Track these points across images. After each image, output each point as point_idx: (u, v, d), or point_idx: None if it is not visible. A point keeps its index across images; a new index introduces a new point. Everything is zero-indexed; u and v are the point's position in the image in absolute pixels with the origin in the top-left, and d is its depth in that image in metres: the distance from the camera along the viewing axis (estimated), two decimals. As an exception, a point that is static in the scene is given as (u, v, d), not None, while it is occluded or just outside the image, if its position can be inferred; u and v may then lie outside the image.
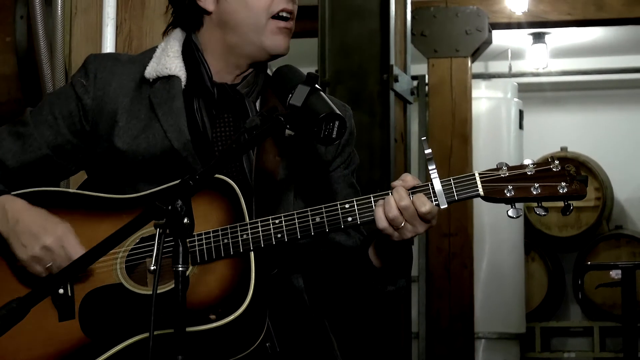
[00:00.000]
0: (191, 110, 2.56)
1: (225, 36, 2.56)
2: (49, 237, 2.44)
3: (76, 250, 2.43)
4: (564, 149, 10.74)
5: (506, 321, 9.06)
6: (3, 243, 2.49)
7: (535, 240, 10.50)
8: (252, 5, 2.52)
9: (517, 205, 2.38)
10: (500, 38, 9.32)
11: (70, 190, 2.60)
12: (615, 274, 6.86)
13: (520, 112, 9.36)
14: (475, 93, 8.50)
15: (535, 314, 10.52)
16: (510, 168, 2.37)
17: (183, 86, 2.57)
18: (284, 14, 2.53)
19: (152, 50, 2.66)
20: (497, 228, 8.71)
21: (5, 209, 2.49)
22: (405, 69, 6.04)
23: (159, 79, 2.57)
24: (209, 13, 2.57)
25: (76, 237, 2.45)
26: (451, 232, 7.91)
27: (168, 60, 2.58)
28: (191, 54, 2.60)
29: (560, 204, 2.37)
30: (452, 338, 7.96)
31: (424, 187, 2.38)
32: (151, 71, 2.58)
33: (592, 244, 10.54)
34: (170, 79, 2.57)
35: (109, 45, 3.74)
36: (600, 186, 10.49)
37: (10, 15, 4.31)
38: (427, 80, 8.14)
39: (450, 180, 2.38)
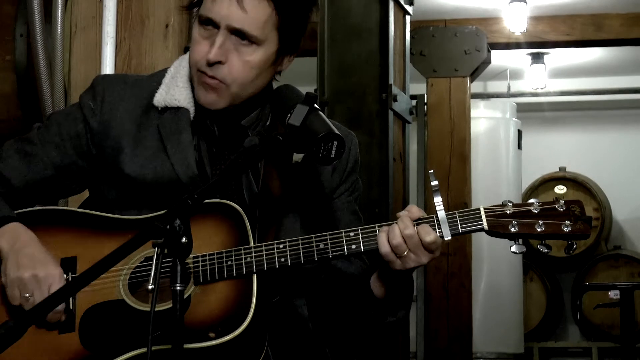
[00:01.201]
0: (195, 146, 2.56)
1: None
2: (44, 270, 2.42)
3: (54, 303, 2.36)
4: (562, 169, 10.74)
5: (504, 341, 9.04)
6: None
7: (533, 260, 10.49)
8: (190, 54, 2.54)
9: (520, 241, 2.40)
10: (499, 58, 9.33)
11: (78, 209, 2.61)
12: (614, 294, 6.88)
13: (519, 132, 9.37)
14: (474, 113, 8.51)
15: (534, 334, 10.50)
16: (515, 205, 2.41)
17: (192, 118, 2.57)
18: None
19: (161, 74, 2.64)
20: (495, 248, 8.70)
21: (18, 234, 2.48)
22: (404, 89, 6.04)
23: (168, 108, 2.57)
24: None
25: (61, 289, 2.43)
26: (450, 252, 7.90)
27: (177, 90, 2.57)
28: None
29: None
30: (450, 358, 7.93)
31: (429, 218, 2.41)
32: (160, 100, 2.57)
33: (590, 264, 10.53)
34: (179, 110, 2.56)
35: (108, 64, 3.74)
36: (598, 206, 10.49)
37: (10, 33, 4.32)
38: (426, 100, 8.14)
39: (455, 213, 2.40)
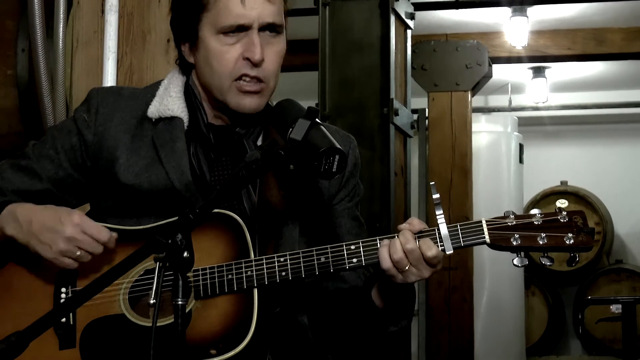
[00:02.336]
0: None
1: (206, 87, 2.58)
2: (67, 227, 2.43)
3: (98, 230, 2.42)
4: (563, 183, 10.75)
5: (506, 355, 9.02)
6: (22, 250, 2.47)
7: (535, 274, 10.48)
8: (215, 68, 2.50)
9: (522, 254, 2.38)
10: (500, 72, 9.35)
11: None
12: (616, 308, 6.87)
13: (521, 146, 9.37)
14: (475, 127, 8.51)
15: (536, 348, 10.49)
16: (517, 217, 2.38)
17: (185, 127, 2.57)
18: (247, 79, 2.50)
19: (155, 86, 2.66)
20: (497, 262, 8.70)
21: (15, 215, 2.48)
22: (405, 103, 6.04)
23: (162, 119, 2.57)
24: (193, 64, 2.58)
25: (91, 220, 2.45)
26: (451, 265, 7.89)
27: (170, 101, 2.58)
28: (190, 97, 2.61)
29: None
30: (452, 372, 7.93)
31: (431, 231, 2.39)
32: (154, 111, 2.58)
33: (592, 279, 10.53)
34: (173, 119, 2.57)
35: (110, 79, 3.74)
36: (600, 220, 10.49)
37: (12, 48, 4.33)
38: (427, 114, 8.16)
39: (457, 226, 2.38)
